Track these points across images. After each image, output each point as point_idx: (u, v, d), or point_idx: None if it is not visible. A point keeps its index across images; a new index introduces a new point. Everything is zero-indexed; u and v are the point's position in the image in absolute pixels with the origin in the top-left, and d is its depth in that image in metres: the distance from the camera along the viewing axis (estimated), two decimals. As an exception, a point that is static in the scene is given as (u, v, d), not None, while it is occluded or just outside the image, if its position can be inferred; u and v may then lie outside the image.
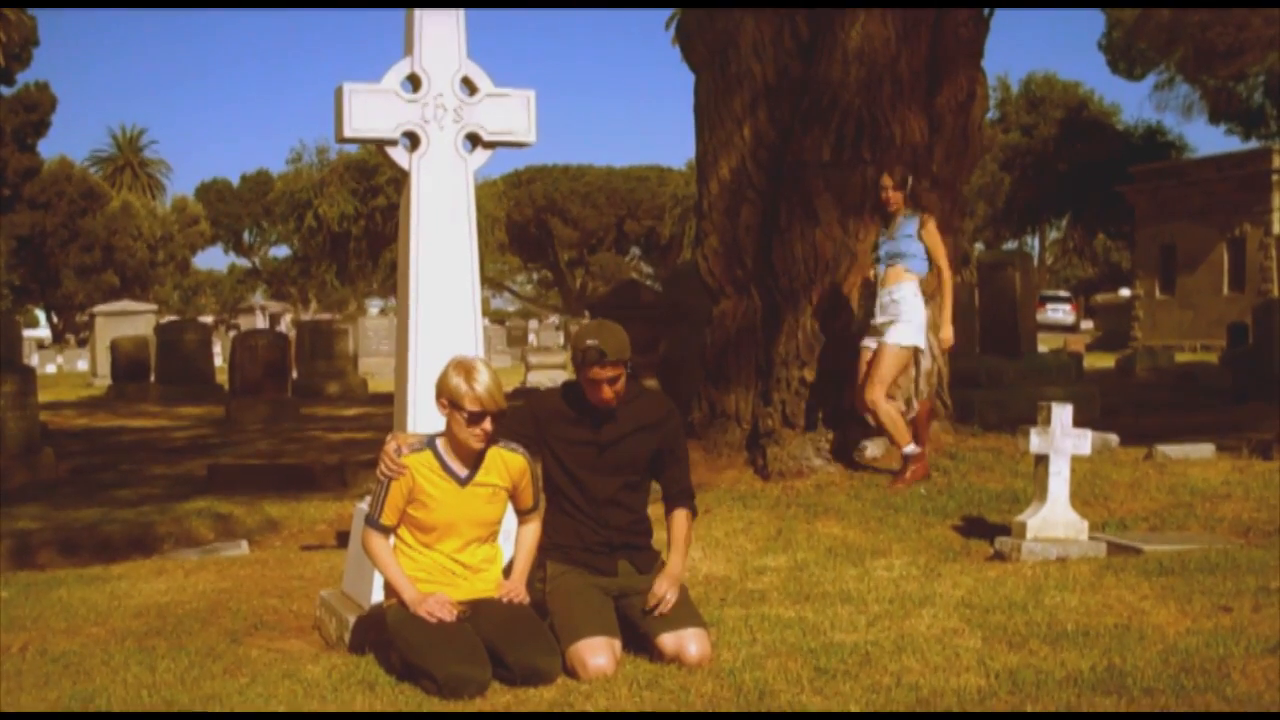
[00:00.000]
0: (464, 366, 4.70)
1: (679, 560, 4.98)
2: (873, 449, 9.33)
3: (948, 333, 8.90)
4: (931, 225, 8.74)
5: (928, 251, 8.71)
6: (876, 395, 8.65)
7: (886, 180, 8.78)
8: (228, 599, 6.58)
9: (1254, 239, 35.79)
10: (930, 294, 8.93)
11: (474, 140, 5.81)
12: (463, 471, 4.73)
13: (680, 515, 5.05)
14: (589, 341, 4.74)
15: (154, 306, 37.08)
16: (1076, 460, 7.31)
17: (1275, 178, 35.28)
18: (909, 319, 8.69)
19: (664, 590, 4.79)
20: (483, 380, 4.65)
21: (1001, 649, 4.91)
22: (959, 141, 10.05)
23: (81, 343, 44.80)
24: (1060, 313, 47.28)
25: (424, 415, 5.34)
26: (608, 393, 4.79)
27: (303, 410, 20.09)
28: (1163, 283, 39.45)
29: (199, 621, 6.03)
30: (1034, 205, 52.92)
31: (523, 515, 4.97)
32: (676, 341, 13.64)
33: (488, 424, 4.64)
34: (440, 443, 4.77)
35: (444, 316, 5.67)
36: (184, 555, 8.41)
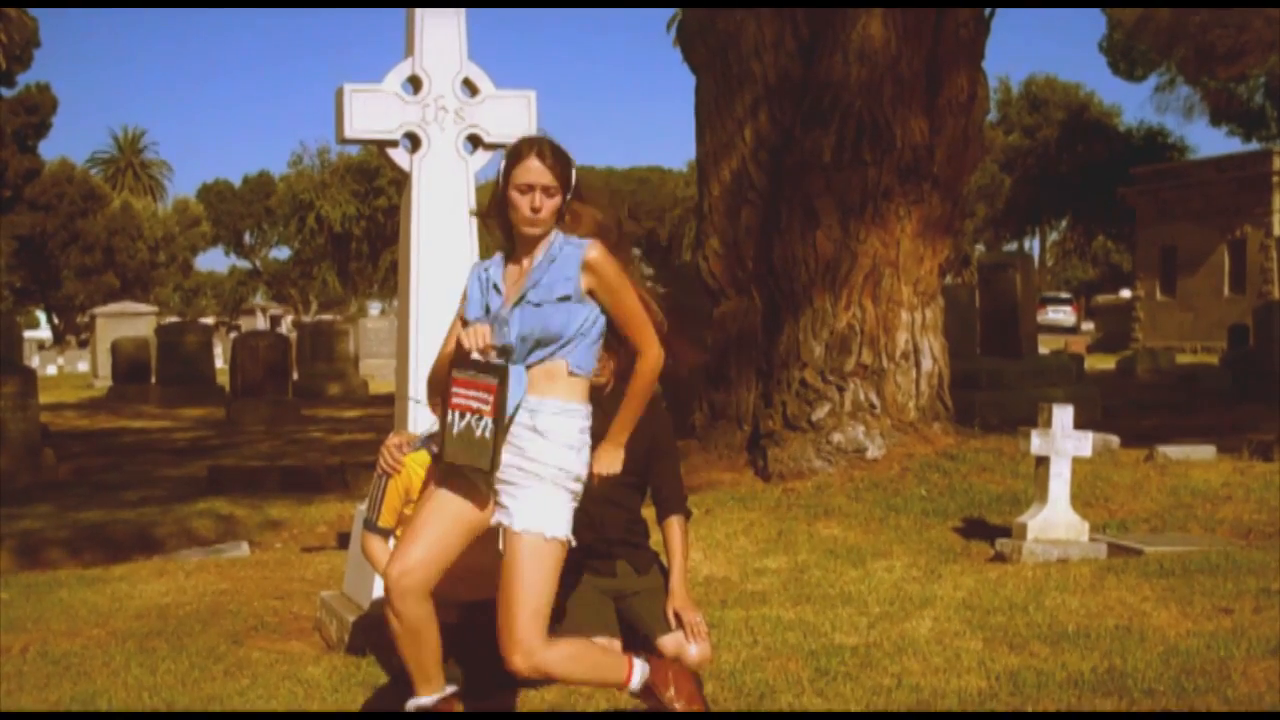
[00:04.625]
0: None
1: (680, 575, 4.94)
2: (873, 450, 9.33)
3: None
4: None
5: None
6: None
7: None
8: (229, 600, 6.58)
9: (1254, 241, 35.77)
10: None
11: (475, 141, 5.81)
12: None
13: (675, 523, 4.98)
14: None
15: (155, 308, 37.10)
16: (1077, 462, 7.31)
17: (1276, 179, 35.25)
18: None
19: (683, 611, 4.65)
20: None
21: (1002, 650, 4.91)
22: (960, 142, 10.06)
23: (82, 344, 44.81)
24: (1061, 314, 47.26)
25: (425, 416, 5.33)
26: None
27: (303, 411, 20.09)
28: (1163, 284, 39.43)
29: (200, 623, 6.03)
30: (1034, 206, 52.93)
31: None
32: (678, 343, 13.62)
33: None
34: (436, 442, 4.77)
35: (445, 317, 5.65)
36: (185, 556, 8.41)
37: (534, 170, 3.76)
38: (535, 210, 3.76)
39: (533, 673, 3.68)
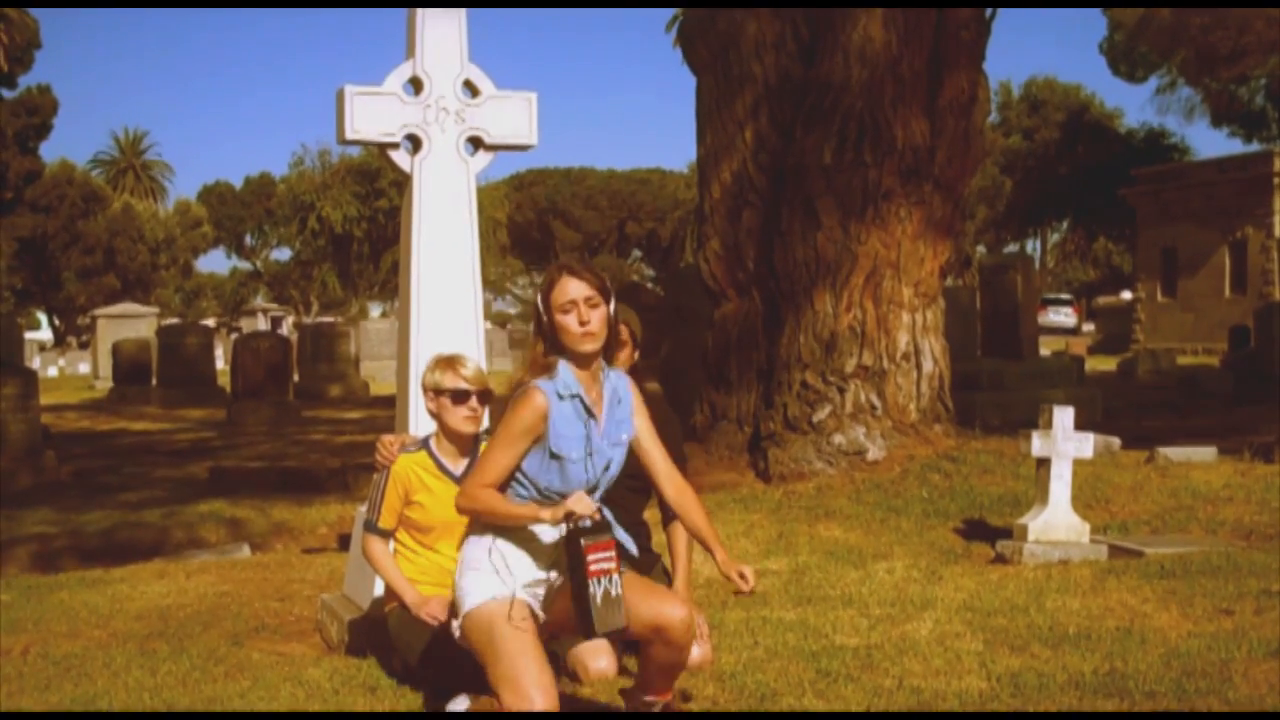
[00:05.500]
0: (443, 356, 4.76)
1: (684, 577, 4.94)
2: (874, 451, 9.33)
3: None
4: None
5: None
6: None
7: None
8: (229, 602, 6.58)
9: (1255, 242, 35.75)
10: None
11: (476, 143, 5.81)
12: (458, 469, 4.72)
13: (680, 529, 5.00)
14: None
15: (155, 309, 37.12)
16: (1078, 463, 7.31)
17: (1277, 180, 35.24)
18: None
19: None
20: (463, 361, 4.70)
21: (1003, 652, 4.90)
22: (960, 144, 10.06)
23: (83, 345, 44.81)
24: (1062, 315, 47.26)
25: (426, 417, 5.34)
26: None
27: (304, 413, 20.08)
28: (1164, 286, 39.42)
29: (200, 624, 6.03)
30: (1035, 208, 52.92)
31: None
32: (678, 344, 13.64)
33: (474, 403, 4.63)
34: (434, 442, 4.78)
35: (445, 319, 5.67)
36: (186, 558, 8.41)
37: (571, 288, 3.78)
38: (584, 323, 3.77)
39: (690, 619, 3.78)
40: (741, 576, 3.94)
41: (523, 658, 3.73)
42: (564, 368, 3.80)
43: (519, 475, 3.83)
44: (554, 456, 3.80)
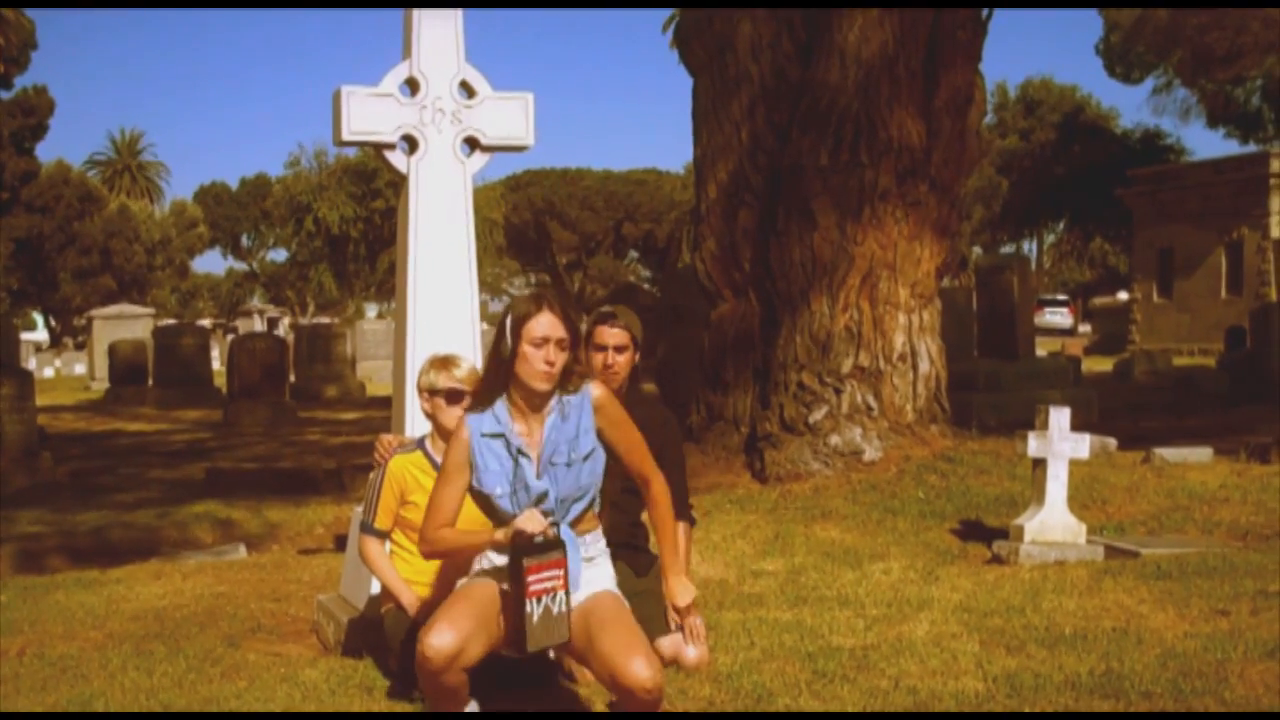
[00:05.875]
0: (437, 357, 4.77)
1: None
2: (870, 452, 9.33)
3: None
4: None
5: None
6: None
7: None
8: (225, 603, 6.57)
9: (1251, 243, 35.77)
10: None
11: (472, 143, 5.81)
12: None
13: (679, 529, 5.00)
14: (604, 308, 4.81)
15: (152, 310, 37.09)
16: (1074, 464, 7.31)
17: (1273, 181, 35.24)
18: None
19: (686, 615, 4.65)
20: (458, 362, 4.71)
21: (999, 653, 4.91)
22: (956, 144, 10.06)
23: (79, 346, 44.75)
24: (1058, 316, 47.28)
25: (422, 418, 5.34)
26: (610, 360, 4.77)
27: (301, 414, 20.07)
28: (1160, 286, 39.43)
29: (197, 625, 6.03)
30: (1032, 209, 52.90)
31: None
32: (674, 345, 13.64)
33: (468, 404, 4.63)
34: (429, 442, 4.78)
35: (442, 319, 5.67)
36: (182, 559, 8.40)
37: (547, 324, 3.78)
38: (550, 364, 3.77)
39: (658, 687, 3.66)
40: (683, 627, 4.19)
41: (461, 601, 3.81)
42: (500, 406, 3.83)
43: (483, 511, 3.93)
44: (477, 493, 3.86)
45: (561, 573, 3.75)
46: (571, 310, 3.85)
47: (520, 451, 3.81)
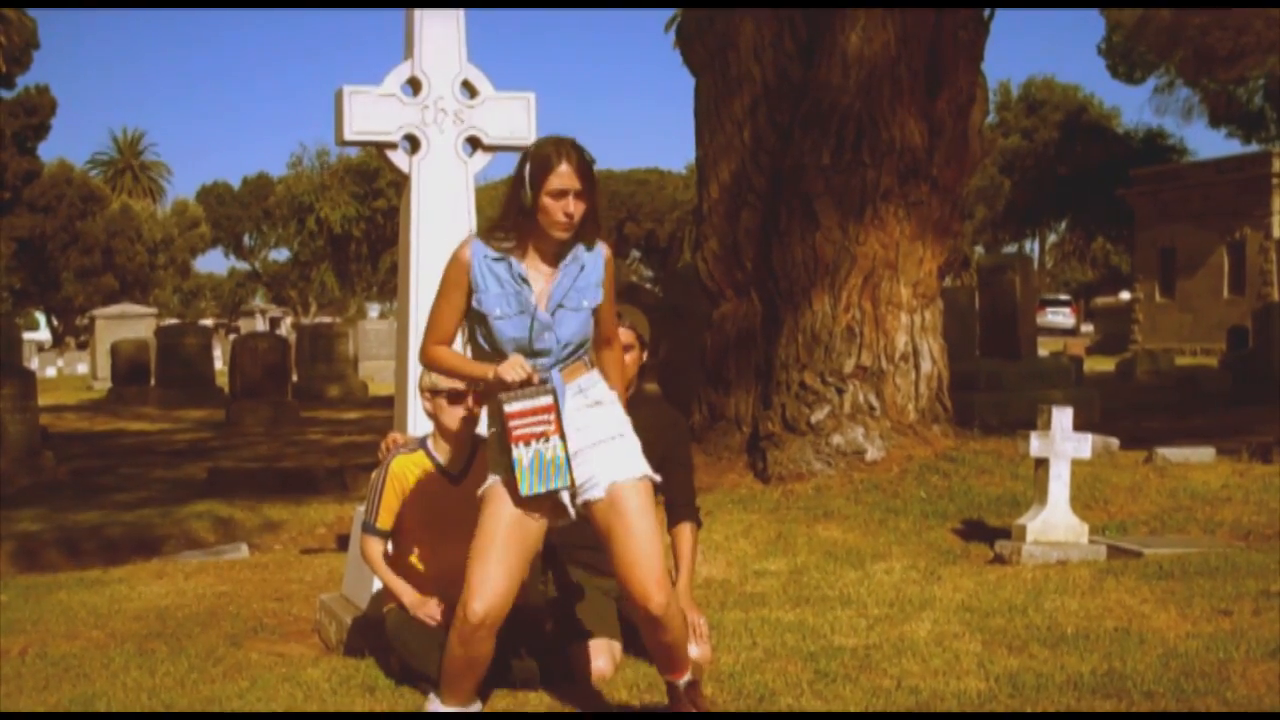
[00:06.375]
0: None
1: (686, 578, 4.94)
2: (873, 452, 9.32)
3: None
4: None
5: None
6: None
7: None
8: (227, 602, 6.58)
9: (1254, 242, 35.76)
10: None
11: (474, 143, 5.81)
12: (455, 469, 4.73)
13: (685, 530, 4.99)
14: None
15: (154, 310, 37.10)
16: (1076, 464, 7.31)
17: (1275, 181, 35.23)
18: None
19: (685, 612, 4.66)
20: None
21: (1001, 652, 4.91)
22: (959, 145, 10.06)
23: (81, 346, 44.76)
24: (1060, 316, 47.26)
25: (424, 418, 5.35)
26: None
27: (303, 413, 20.08)
28: (1163, 286, 39.43)
29: (199, 625, 6.03)
30: (1034, 209, 52.91)
31: None
32: (676, 344, 13.64)
33: (470, 403, 4.62)
34: (431, 442, 4.78)
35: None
36: (184, 558, 8.41)
37: (565, 176, 3.77)
38: (569, 215, 3.78)
39: (665, 612, 3.78)
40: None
41: (480, 561, 3.80)
42: (510, 246, 3.85)
43: (479, 341, 3.89)
44: (478, 313, 3.84)
45: (552, 417, 3.70)
46: (589, 157, 3.84)
47: (523, 279, 3.82)
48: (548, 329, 3.80)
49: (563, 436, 3.72)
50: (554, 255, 3.87)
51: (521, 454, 3.69)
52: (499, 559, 3.79)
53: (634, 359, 4.80)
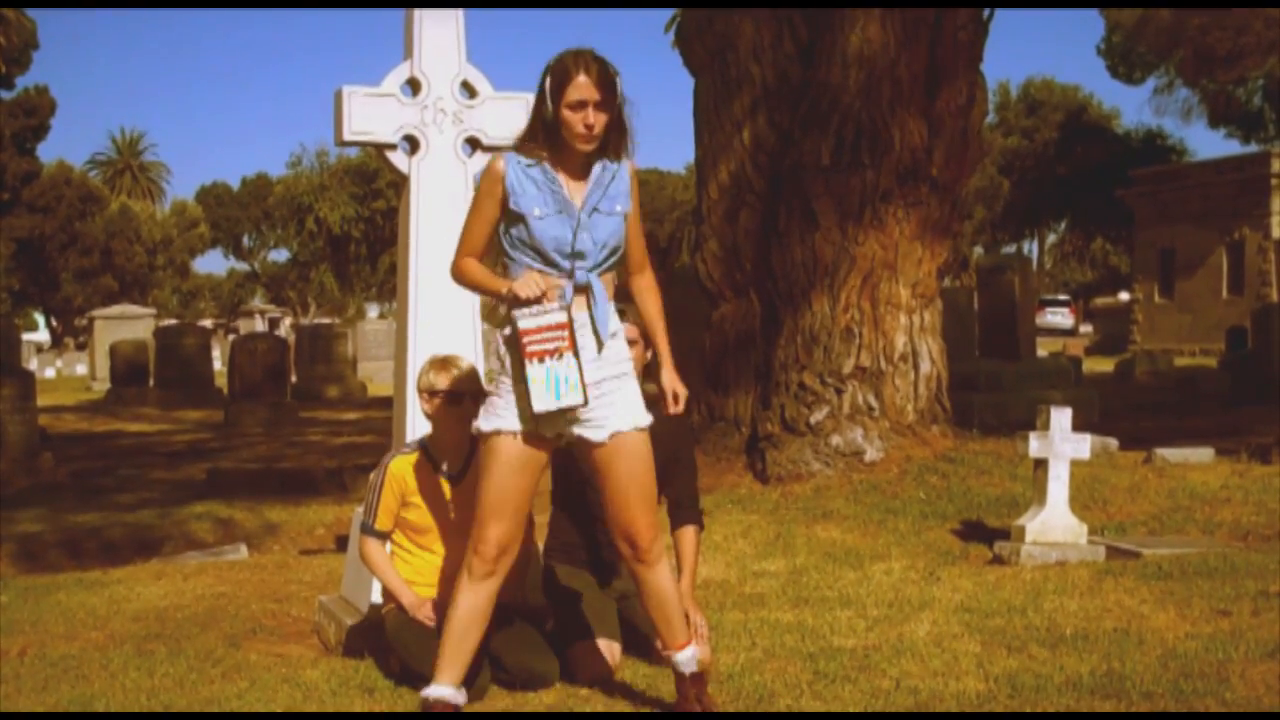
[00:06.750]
0: (438, 358, 4.77)
1: (689, 579, 4.94)
2: (872, 452, 9.33)
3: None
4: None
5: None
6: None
7: None
8: (226, 603, 6.57)
9: (1253, 243, 35.77)
10: None
11: (474, 144, 5.80)
12: (454, 470, 4.72)
13: (688, 533, 4.98)
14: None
15: (153, 310, 37.08)
16: (1075, 464, 7.31)
17: (1275, 181, 35.24)
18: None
19: (686, 611, 4.66)
20: (458, 363, 4.70)
21: (1000, 653, 4.91)
22: (958, 145, 10.06)
23: (80, 347, 44.74)
24: (1059, 316, 47.25)
25: (423, 418, 5.34)
26: None
27: (302, 414, 20.08)
28: (1162, 287, 39.44)
29: (198, 626, 6.03)
30: (1033, 209, 52.94)
31: None
32: (675, 345, 13.63)
33: (469, 404, 4.61)
34: (430, 443, 4.78)
35: (443, 320, 5.66)
36: (183, 559, 8.41)
37: (584, 87, 3.76)
38: (589, 127, 3.78)
39: (652, 549, 3.88)
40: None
41: (490, 499, 3.90)
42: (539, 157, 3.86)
43: (518, 250, 3.87)
44: (517, 214, 3.83)
45: (566, 334, 3.70)
46: (611, 68, 3.82)
47: (556, 182, 3.83)
48: (585, 229, 3.82)
49: (576, 354, 3.72)
50: (581, 168, 3.88)
51: (535, 370, 3.69)
52: (508, 499, 3.89)
53: (638, 355, 4.80)
